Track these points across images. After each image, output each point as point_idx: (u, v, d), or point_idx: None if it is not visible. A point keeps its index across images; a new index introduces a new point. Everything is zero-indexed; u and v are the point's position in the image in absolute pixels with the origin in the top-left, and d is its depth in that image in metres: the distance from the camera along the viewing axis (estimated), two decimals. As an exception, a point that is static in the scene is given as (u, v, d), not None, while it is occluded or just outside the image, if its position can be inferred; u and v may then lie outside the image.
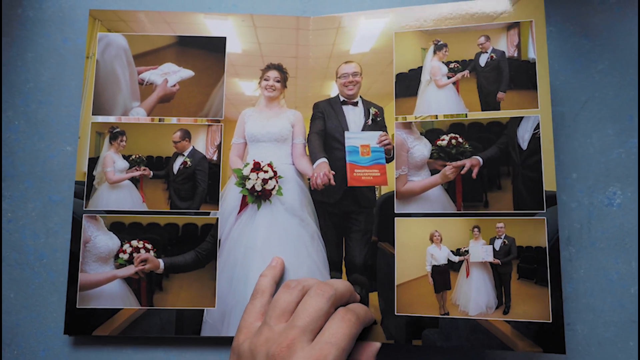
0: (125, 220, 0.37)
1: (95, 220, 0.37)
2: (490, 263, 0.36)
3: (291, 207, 0.38)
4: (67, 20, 0.41)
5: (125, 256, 0.36)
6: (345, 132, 0.39)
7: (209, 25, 0.39)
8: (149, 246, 0.36)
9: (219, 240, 0.37)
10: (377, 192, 0.38)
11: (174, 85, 0.38)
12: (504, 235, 0.36)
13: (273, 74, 0.39)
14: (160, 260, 0.36)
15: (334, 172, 0.38)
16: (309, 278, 0.33)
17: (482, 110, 0.37)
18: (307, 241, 0.37)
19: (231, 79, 0.39)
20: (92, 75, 0.38)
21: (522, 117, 0.36)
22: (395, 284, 0.36)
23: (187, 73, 0.39)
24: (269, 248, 0.37)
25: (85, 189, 0.37)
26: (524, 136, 0.36)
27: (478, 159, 0.37)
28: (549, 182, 0.35)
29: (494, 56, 0.38)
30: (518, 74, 0.37)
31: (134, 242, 0.36)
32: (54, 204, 0.39)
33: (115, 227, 0.37)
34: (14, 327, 0.37)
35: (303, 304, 0.29)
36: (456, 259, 0.36)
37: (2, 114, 0.40)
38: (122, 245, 0.36)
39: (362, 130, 0.39)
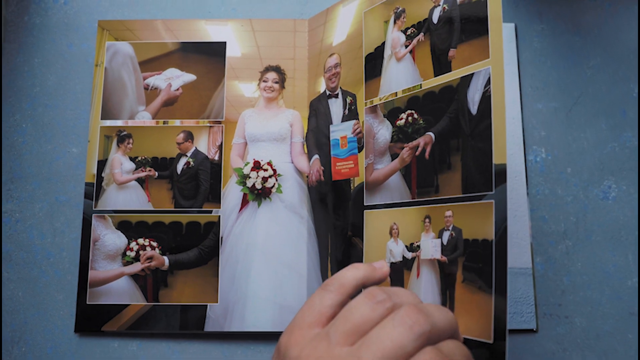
0: (132, 219, 0.45)
1: (104, 220, 0.45)
2: (438, 261, 0.34)
3: (291, 204, 0.46)
4: (72, 27, 0.50)
5: (132, 254, 0.44)
6: (330, 126, 0.44)
7: (210, 31, 0.48)
8: (154, 244, 0.45)
9: (221, 238, 0.45)
10: (351, 185, 0.41)
11: (177, 89, 0.47)
12: (452, 226, 0.34)
13: (271, 75, 0.48)
14: (165, 258, 0.45)
15: (323, 168, 0.44)
16: (401, 291, 0.27)
17: (435, 76, 0.36)
18: (305, 238, 0.45)
19: (231, 82, 0.48)
20: (100, 82, 0.47)
21: (472, 74, 0.34)
22: None
23: (190, 77, 0.47)
24: (269, 245, 0.45)
25: (94, 190, 0.45)
26: (474, 97, 0.33)
27: (430, 135, 0.36)
28: (499, 154, 0.31)
29: (446, 7, 0.37)
30: (469, 21, 0.35)
31: (141, 240, 0.45)
32: (60, 204, 0.47)
33: (123, 226, 0.45)
34: (22, 325, 0.45)
35: (381, 330, 0.24)
36: (409, 255, 0.35)
37: (10, 118, 0.49)
38: (129, 243, 0.45)
39: (342, 121, 0.43)
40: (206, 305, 0.44)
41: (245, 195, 0.46)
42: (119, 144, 0.46)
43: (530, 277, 0.45)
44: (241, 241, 0.45)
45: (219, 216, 0.46)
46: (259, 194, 0.46)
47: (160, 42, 0.48)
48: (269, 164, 0.46)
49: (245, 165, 0.46)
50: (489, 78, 0.33)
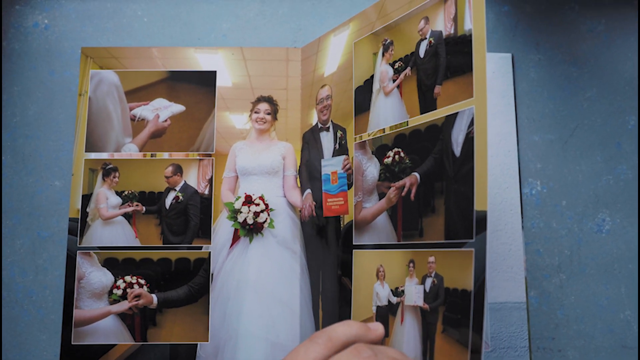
0: (118, 256, 0.47)
1: (89, 257, 0.47)
2: (421, 308, 0.35)
3: (283, 239, 0.49)
4: (53, 53, 0.51)
5: (119, 292, 0.46)
6: (322, 160, 0.46)
7: (200, 60, 0.50)
8: (142, 281, 0.47)
9: (212, 275, 0.47)
10: (341, 222, 0.43)
11: (166, 121, 0.49)
12: (434, 272, 0.35)
13: (263, 106, 0.50)
14: (154, 296, 0.47)
15: (315, 203, 0.47)
16: (390, 350, 0.29)
17: (420, 114, 0.37)
18: (298, 274, 0.48)
19: (222, 113, 0.50)
20: (85, 112, 0.48)
21: (456, 114, 0.35)
22: None
23: (178, 108, 0.49)
24: (261, 281, 0.47)
25: (79, 226, 0.47)
26: (458, 138, 0.34)
27: (415, 175, 0.37)
28: (480, 200, 0.32)
29: (432, 41, 0.38)
30: (454, 56, 0.36)
31: (128, 278, 0.47)
32: (42, 240, 0.49)
33: (109, 263, 0.47)
34: (3, 366, 0.47)
35: None
36: (394, 300, 0.36)
37: (-12, 149, 0.50)
38: (115, 281, 0.47)
39: (333, 156, 0.45)
40: (196, 344, 0.46)
41: (236, 230, 0.49)
42: (105, 177, 0.48)
43: (524, 312, 0.49)
44: (232, 278, 0.48)
45: (210, 252, 0.48)
46: (251, 229, 0.48)
47: (147, 71, 0.50)
48: (261, 198, 0.49)
49: (237, 199, 0.49)
50: (473, 118, 0.34)
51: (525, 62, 0.53)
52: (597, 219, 0.52)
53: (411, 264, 0.37)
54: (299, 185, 0.50)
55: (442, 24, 0.37)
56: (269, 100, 0.51)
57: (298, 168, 0.50)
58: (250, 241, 0.49)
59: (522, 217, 0.51)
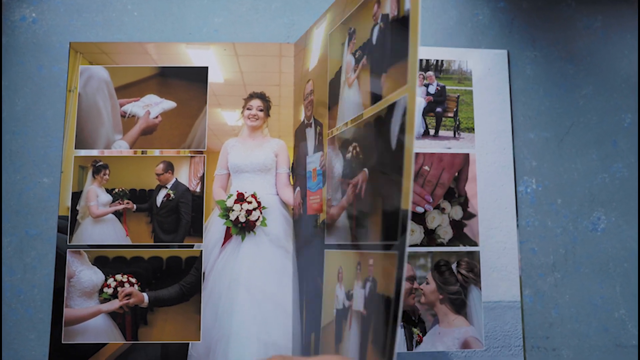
0: (109, 254, 0.48)
1: (80, 255, 0.47)
2: (361, 313, 0.33)
3: (276, 238, 0.49)
4: (42, 48, 0.52)
5: (110, 290, 0.47)
6: (306, 157, 0.45)
7: (191, 55, 0.51)
8: (133, 280, 0.47)
9: (203, 273, 0.48)
10: (317, 221, 0.42)
11: (156, 117, 0.49)
12: (371, 276, 0.32)
13: (256, 102, 0.51)
14: (145, 294, 0.47)
15: (301, 201, 0.47)
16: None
17: (371, 105, 0.35)
18: (291, 273, 0.48)
19: (213, 109, 0.50)
20: (74, 108, 0.49)
21: (394, 103, 0.33)
22: (321, 326, 0.37)
23: (169, 104, 0.50)
24: (253, 280, 0.48)
25: (68, 224, 0.48)
26: (395, 130, 0.32)
27: (365, 171, 0.35)
28: (405, 197, 0.29)
29: (383, 25, 0.35)
30: (397, 40, 0.33)
31: (118, 276, 0.47)
32: (31, 238, 0.49)
33: (100, 262, 0.48)
34: (-9, 366, 0.48)
35: None
36: (347, 303, 0.35)
37: (-25, 146, 0.50)
38: (106, 280, 0.47)
39: (314, 152, 0.44)
40: (188, 343, 0.47)
41: (228, 228, 0.49)
42: (95, 175, 0.49)
43: (518, 310, 0.50)
44: (224, 276, 0.48)
45: (201, 251, 0.49)
46: (243, 228, 0.49)
47: (138, 67, 0.50)
48: (253, 196, 0.50)
49: (229, 197, 0.49)
50: (405, 108, 0.31)
51: (521, 59, 0.54)
52: (592, 218, 0.53)
53: (358, 267, 0.34)
54: (292, 182, 0.51)
55: (389, 6, 0.34)
56: (262, 96, 0.51)
57: (291, 165, 0.51)
58: (243, 239, 0.49)
59: (517, 216, 0.52)
